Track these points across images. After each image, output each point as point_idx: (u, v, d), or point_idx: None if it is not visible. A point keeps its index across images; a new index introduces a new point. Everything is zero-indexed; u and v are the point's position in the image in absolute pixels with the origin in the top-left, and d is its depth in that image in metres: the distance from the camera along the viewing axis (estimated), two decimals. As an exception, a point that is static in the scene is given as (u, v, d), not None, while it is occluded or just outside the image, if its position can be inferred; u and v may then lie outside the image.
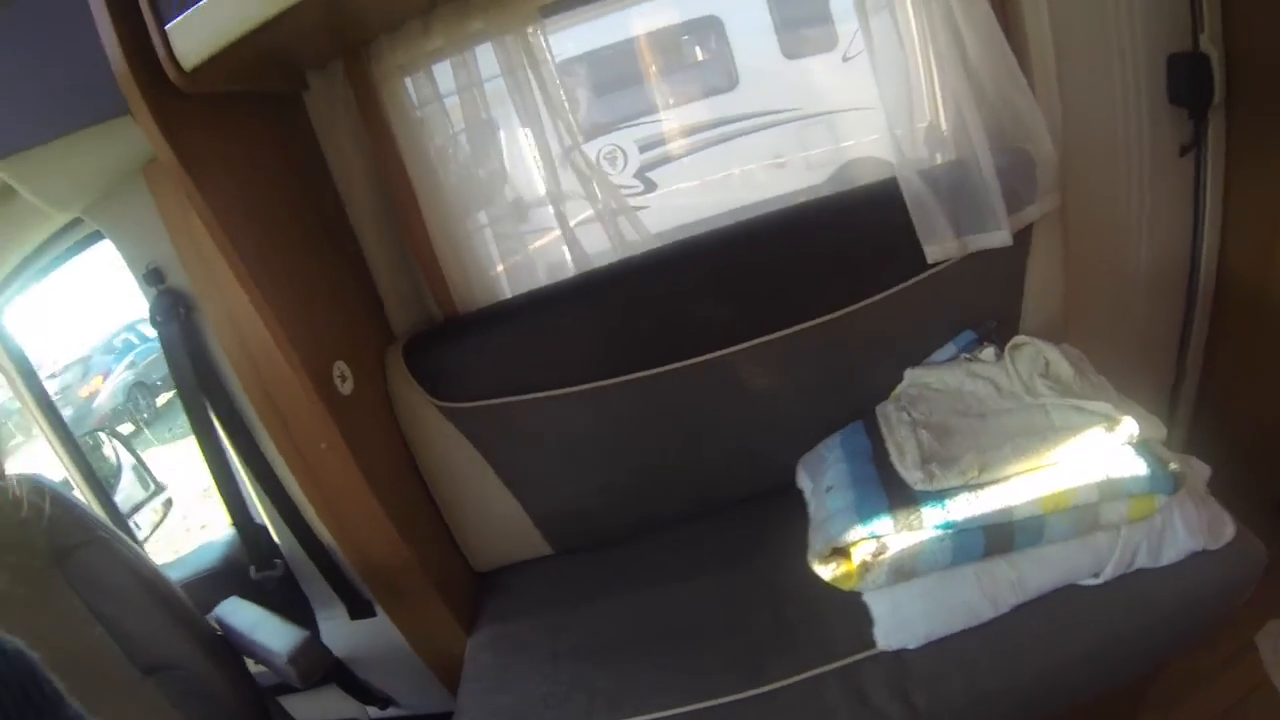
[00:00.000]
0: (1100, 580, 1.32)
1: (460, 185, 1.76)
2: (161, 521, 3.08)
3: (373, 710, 1.90)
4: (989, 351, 1.64)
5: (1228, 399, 2.14)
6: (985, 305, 1.72)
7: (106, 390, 7.54)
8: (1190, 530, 1.31)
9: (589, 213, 1.77)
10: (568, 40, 3.52)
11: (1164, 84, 1.82)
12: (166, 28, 1.15)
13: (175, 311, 1.70)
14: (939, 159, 1.75)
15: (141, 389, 7.59)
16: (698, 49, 4.04)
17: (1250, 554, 1.32)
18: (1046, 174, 1.65)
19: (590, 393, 1.70)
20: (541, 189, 1.77)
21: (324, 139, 1.70)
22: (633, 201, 3.93)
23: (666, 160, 4.03)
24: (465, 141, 1.77)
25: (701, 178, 3.91)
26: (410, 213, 1.71)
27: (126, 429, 6.96)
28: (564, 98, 1.69)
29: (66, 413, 6.72)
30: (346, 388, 1.57)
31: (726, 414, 1.75)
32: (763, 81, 3.95)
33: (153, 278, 1.69)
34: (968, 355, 1.66)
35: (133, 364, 7.62)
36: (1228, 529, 1.33)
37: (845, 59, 3.34)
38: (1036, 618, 1.32)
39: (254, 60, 1.31)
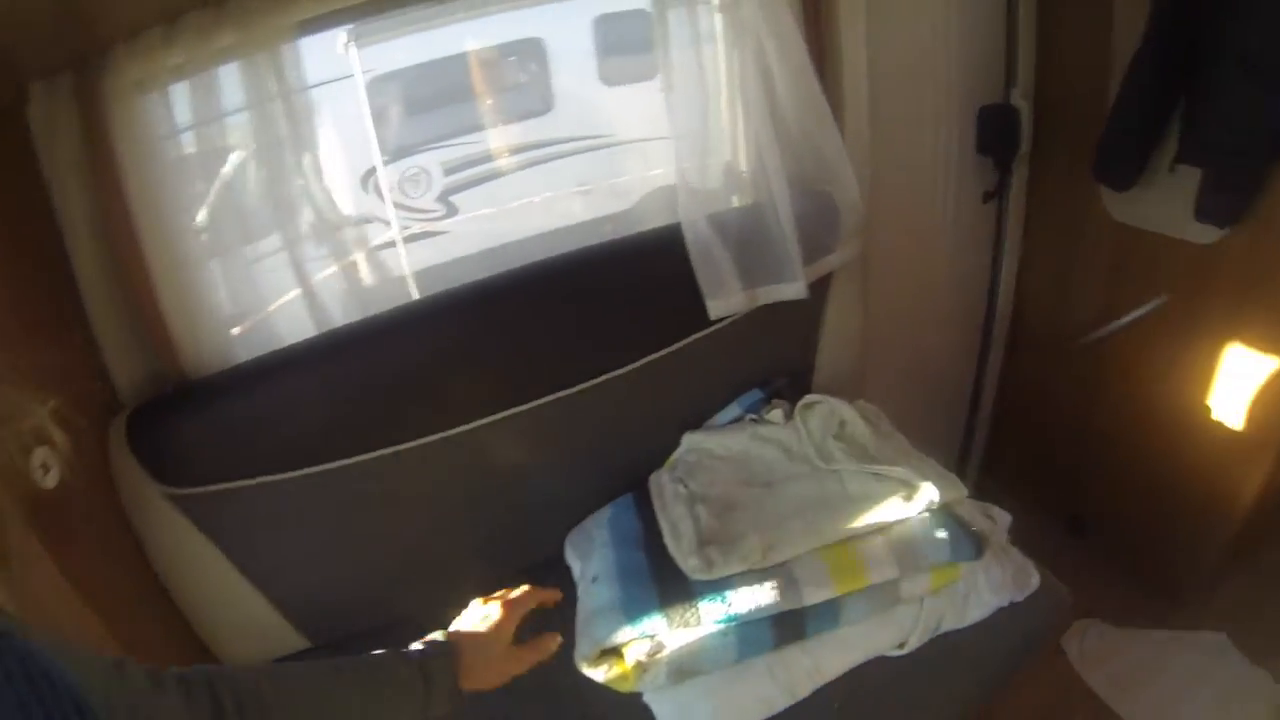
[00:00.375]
0: (905, 651, 1.25)
1: (194, 227, 1.50)
2: None
3: None
4: (777, 412, 1.53)
5: (1021, 429, 2.27)
6: (776, 360, 1.61)
7: None
8: (995, 588, 1.28)
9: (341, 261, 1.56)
10: (382, 56, 3.29)
11: (973, 135, 1.87)
12: None
13: None
14: (735, 201, 1.64)
15: None
16: (517, 71, 3.89)
17: (1055, 597, 1.33)
18: (850, 220, 1.57)
19: (331, 474, 1.44)
20: (301, 226, 1.51)
21: (45, 163, 1.38)
22: (432, 226, 3.78)
23: (471, 184, 3.86)
24: (207, 175, 1.50)
25: (505, 203, 3.76)
26: (133, 258, 1.42)
27: None
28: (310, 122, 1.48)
29: None
30: (50, 479, 1.28)
31: (491, 489, 1.55)
32: (578, 107, 3.84)
33: None
34: (754, 416, 1.55)
35: None
36: (1032, 578, 1.31)
37: (669, 89, 3.26)
38: (839, 694, 1.23)
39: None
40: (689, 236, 1.46)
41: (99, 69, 1.33)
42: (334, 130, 2.30)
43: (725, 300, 1.49)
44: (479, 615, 1.04)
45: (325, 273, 1.54)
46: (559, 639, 1.05)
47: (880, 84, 1.66)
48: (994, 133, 1.84)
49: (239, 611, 1.52)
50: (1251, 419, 1.70)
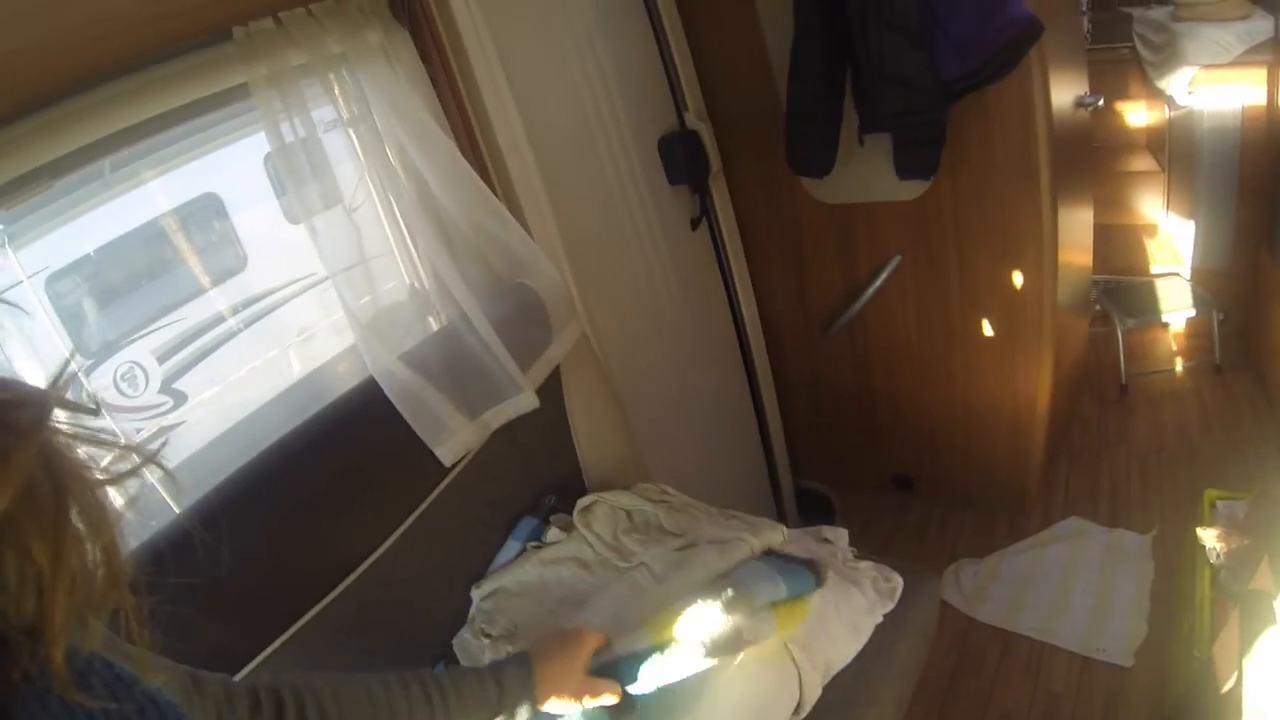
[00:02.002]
0: (806, 712, 1.15)
1: None
2: None
3: None
4: (553, 531, 1.40)
5: (815, 425, 2.31)
6: (537, 479, 1.47)
7: None
8: (865, 609, 1.22)
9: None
10: (48, 251, 2.91)
11: (660, 168, 1.83)
12: None
13: None
14: (432, 324, 1.49)
15: None
16: (203, 230, 3.60)
17: (923, 583, 1.30)
18: (557, 305, 1.45)
19: None
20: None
21: None
22: (163, 421, 3.41)
23: (190, 364, 3.52)
24: None
25: (232, 375, 3.47)
26: None
27: None
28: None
29: None
30: None
31: None
32: (273, 253, 3.60)
33: None
34: (536, 543, 1.40)
35: None
36: (896, 581, 1.26)
37: (351, 210, 3.12)
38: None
39: None
40: (387, 386, 1.28)
41: None
42: (20, 345, 2.01)
43: (453, 443, 1.32)
44: (559, 637, 1.05)
45: None
46: (619, 691, 1.06)
47: (546, 151, 1.55)
48: (681, 160, 1.82)
49: None
50: (1017, 327, 1.81)
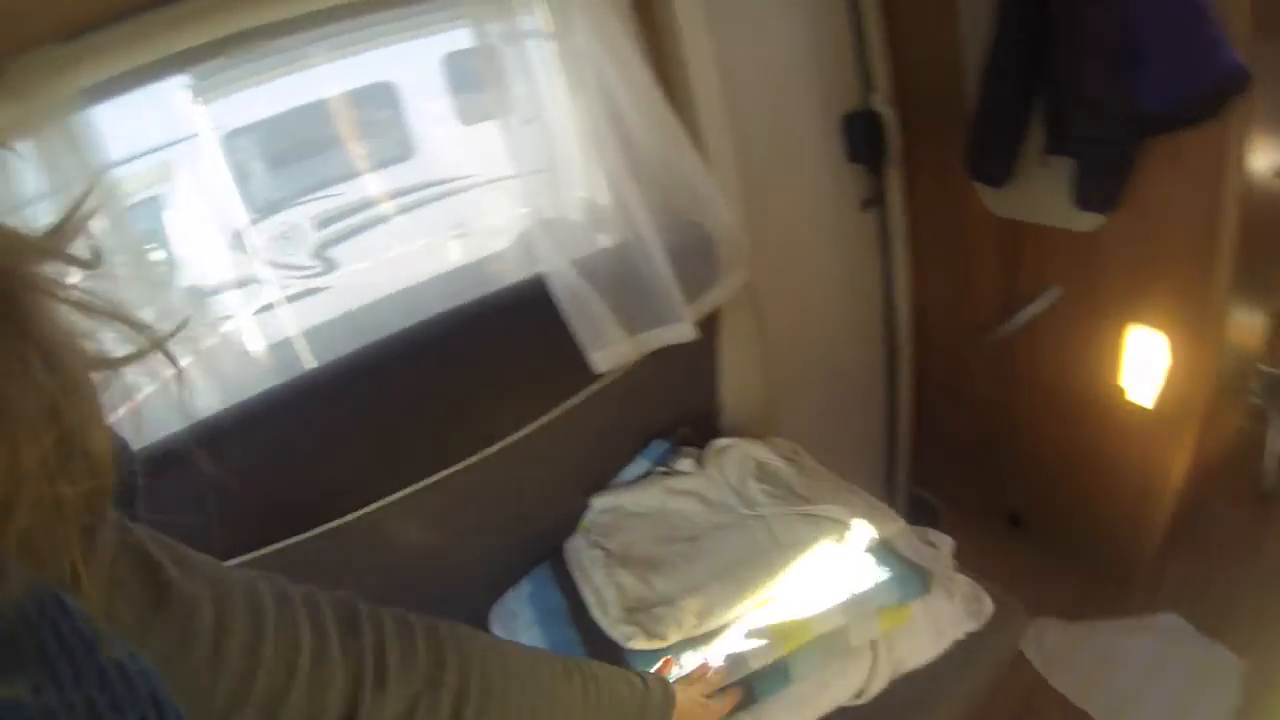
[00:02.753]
0: (866, 700, 1.16)
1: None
2: None
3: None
4: (687, 461, 1.42)
5: (943, 435, 2.22)
6: (677, 407, 1.50)
7: None
8: (951, 620, 1.21)
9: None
10: (233, 109, 3.09)
11: (841, 144, 1.81)
12: None
13: None
14: (602, 242, 1.51)
15: None
16: (374, 117, 3.75)
17: (1010, 616, 1.28)
18: (728, 249, 1.46)
19: None
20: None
21: None
22: (312, 283, 3.59)
23: (345, 236, 3.69)
24: None
25: (382, 254, 3.61)
26: None
27: None
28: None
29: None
30: None
31: (395, 576, 1.36)
32: (440, 149, 3.72)
33: None
34: (663, 469, 1.43)
35: None
36: (986, 604, 1.25)
37: (525, 123, 3.20)
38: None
39: None
40: (556, 286, 1.33)
41: None
42: (195, 192, 2.16)
43: (608, 351, 1.36)
44: (700, 693, 1.04)
45: (208, 342, 1.38)
46: (738, 697, 1.07)
47: (737, 102, 1.56)
48: (862, 140, 1.80)
49: None
50: (1165, 398, 1.69)
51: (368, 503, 1.27)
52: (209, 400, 1.36)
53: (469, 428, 1.32)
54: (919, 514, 2.26)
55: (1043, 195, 1.65)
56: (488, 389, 1.33)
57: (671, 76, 1.47)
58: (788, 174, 1.74)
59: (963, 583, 1.26)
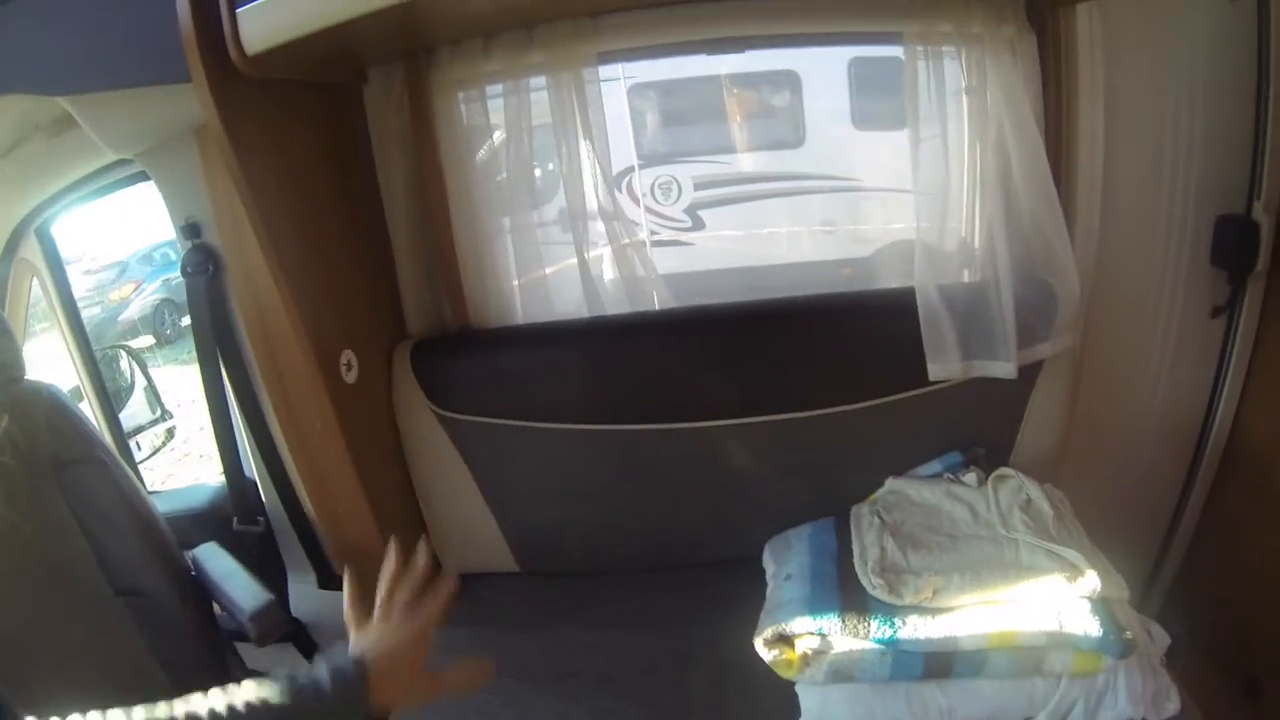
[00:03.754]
0: None
1: (494, 203, 1.81)
2: (161, 447, 3.15)
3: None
4: (972, 476, 1.64)
5: (1214, 568, 2.10)
6: (979, 430, 1.73)
7: (137, 300, 7.71)
8: (1133, 697, 1.31)
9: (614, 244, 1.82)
10: (643, 65, 3.54)
11: (1208, 244, 1.82)
12: (238, 10, 1.19)
13: (205, 266, 1.77)
14: (965, 276, 1.77)
15: (170, 306, 7.68)
16: (772, 100, 4.03)
17: None
18: (1067, 313, 1.65)
19: (580, 433, 1.75)
20: (587, 204, 1.79)
21: (374, 134, 1.76)
22: (677, 236, 3.99)
23: (719, 202, 4.02)
24: (506, 159, 1.80)
25: (749, 227, 3.90)
26: (441, 221, 1.75)
27: (147, 341, 7.09)
28: (605, 134, 1.77)
29: (94, 312, 6.91)
30: (351, 376, 1.62)
31: (706, 481, 1.78)
32: (829, 146, 3.94)
33: (190, 231, 1.76)
34: (951, 476, 1.67)
35: (166, 283, 7.72)
36: (1172, 703, 1.32)
37: (923, 140, 3.25)
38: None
39: (317, 55, 1.36)
40: (921, 300, 1.63)
41: (428, 65, 1.67)
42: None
43: (944, 365, 1.64)
44: (389, 630, 0.99)
45: (589, 254, 1.81)
46: (491, 671, 1.05)
47: (1114, 181, 1.71)
48: (1231, 245, 1.78)
49: (470, 524, 1.84)
50: None
51: (719, 418, 1.71)
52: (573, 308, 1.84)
53: (813, 389, 1.70)
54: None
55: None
56: (836, 364, 1.70)
57: (1061, 147, 1.68)
58: (1145, 259, 1.83)
59: (1161, 675, 1.35)
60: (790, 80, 3.96)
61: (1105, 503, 1.90)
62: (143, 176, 1.86)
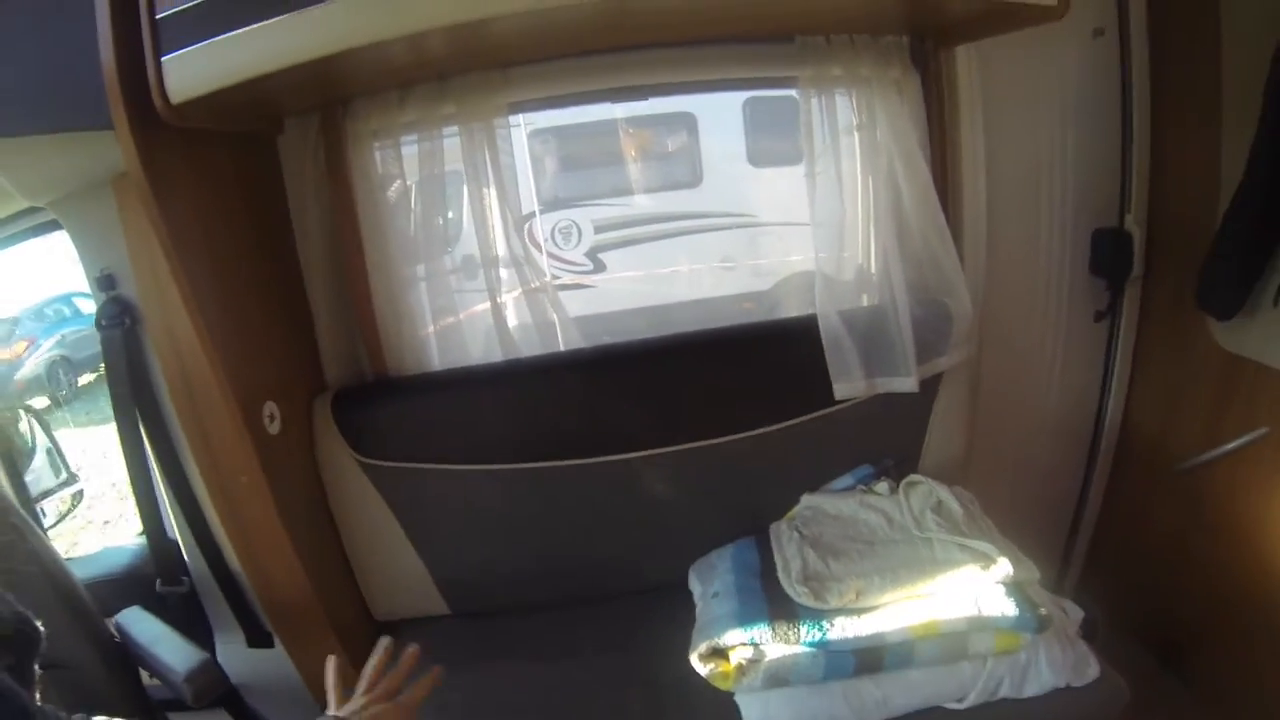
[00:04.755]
0: (964, 705, 1.42)
1: (408, 252, 1.83)
2: (69, 512, 2.98)
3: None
4: (883, 485, 1.74)
5: (1121, 552, 2.25)
6: (887, 442, 1.83)
7: (30, 359, 7.18)
8: (1054, 668, 1.41)
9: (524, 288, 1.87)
10: (545, 112, 3.59)
11: (1086, 255, 2.00)
12: (162, 59, 1.20)
13: (121, 319, 1.73)
14: (864, 300, 1.87)
15: (65, 364, 7.20)
16: (669, 142, 4.12)
17: (1112, 691, 1.43)
18: (961, 327, 1.78)
19: (501, 473, 1.78)
20: (496, 249, 1.83)
21: (290, 183, 1.77)
22: (579, 279, 4.03)
23: (619, 244, 4.08)
24: (420, 207, 1.83)
25: (650, 268, 3.97)
26: (357, 269, 1.78)
27: (42, 402, 6.68)
28: (514, 181, 1.83)
29: (-17, 371, 6.51)
30: (274, 427, 1.61)
31: (628, 512, 1.83)
32: (726, 184, 4.04)
33: (105, 283, 1.72)
34: (864, 487, 1.76)
35: (61, 339, 7.25)
36: (1091, 669, 1.43)
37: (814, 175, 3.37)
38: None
39: (237, 104, 1.37)
40: (823, 325, 1.74)
41: (344, 115, 1.70)
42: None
43: (848, 385, 1.75)
44: (371, 702, 1.07)
45: (500, 298, 1.86)
46: (438, 672, 1.17)
47: (997, 204, 1.87)
48: (1107, 255, 1.95)
49: (398, 570, 1.84)
50: None
51: (636, 450, 1.78)
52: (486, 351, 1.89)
53: (725, 416, 1.78)
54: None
55: (1270, 336, 1.69)
56: (745, 391, 1.79)
57: (947, 175, 1.83)
58: (1031, 272, 1.99)
59: (1079, 645, 1.46)
60: (686, 121, 4.07)
61: (1012, 499, 2.04)
62: (52, 226, 1.82)
